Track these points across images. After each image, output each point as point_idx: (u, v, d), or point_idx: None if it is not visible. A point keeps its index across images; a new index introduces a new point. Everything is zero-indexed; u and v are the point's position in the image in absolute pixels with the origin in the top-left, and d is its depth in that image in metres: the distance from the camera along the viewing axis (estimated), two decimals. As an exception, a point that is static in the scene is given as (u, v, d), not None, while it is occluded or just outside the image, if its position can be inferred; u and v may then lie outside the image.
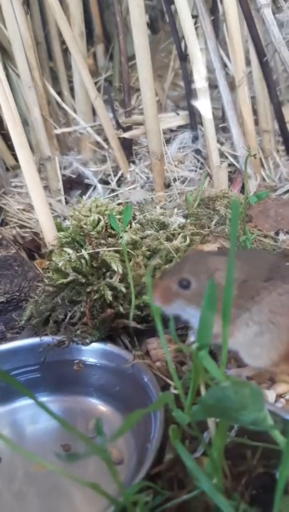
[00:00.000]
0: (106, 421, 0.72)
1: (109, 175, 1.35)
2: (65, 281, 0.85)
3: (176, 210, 1.12)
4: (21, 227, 1.22)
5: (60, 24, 1.25)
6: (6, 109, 1.03)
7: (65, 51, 1.42)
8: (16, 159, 1.20)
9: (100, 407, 0.77)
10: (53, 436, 0.73)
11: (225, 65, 1.34)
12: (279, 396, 0.72)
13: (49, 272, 0.90)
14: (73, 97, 1.40)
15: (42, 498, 0.66)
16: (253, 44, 1.27)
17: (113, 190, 1.32)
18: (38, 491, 0.67)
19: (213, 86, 1.34)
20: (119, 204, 1.14)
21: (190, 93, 1.33)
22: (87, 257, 0.88)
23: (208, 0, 1.30)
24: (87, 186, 1.34)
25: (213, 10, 1.34)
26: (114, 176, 1.34)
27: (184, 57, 1.34)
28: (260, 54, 1.28)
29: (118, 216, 0.95)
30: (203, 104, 1.26)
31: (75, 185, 1.34)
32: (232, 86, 1.31)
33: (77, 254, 0.88)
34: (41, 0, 1.41)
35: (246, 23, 1.25)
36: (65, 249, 0.91)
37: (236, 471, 0.63)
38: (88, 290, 0.84)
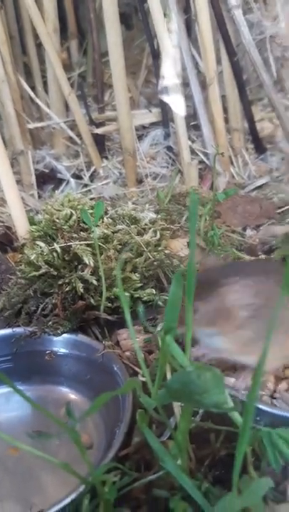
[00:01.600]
0: (77, 408, 0.74)
1: (82, 170, 1.37)
2: (37, 273, 0.87)
3: (147, 205, 1.15)
4: (-6, 220, 1.23)
5: (34, 20, 1.26)
6: (-21, 103, 1.04)
7: (39, 46, 1.43)
8: (-11, 153, 1.20)
9: (71, 395, 0.79)
10: (24, 423, 0.75)
11: (197, 64, 1.37)
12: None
13: (21, 265, 0.92)
14: (47, 92, 1.41)
15: (13, 481, 0.68)
16: (224, 44, 1.30)
17: (86, 185, 1.34)
18: (10, 475, 0.69)
19: (185, 84, 1.37)
20: (92, 199, 1.16)
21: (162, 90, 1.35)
22: (59, 250, 0.89)
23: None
24: (60, 181, 1.36)
25: (186, 9, 1.36)
26: (87, 171, 1.36)
27: (156, 54, 1.36)
28: (231, 54, 1.31)
29: (90, 211, 0.97)
30: (176, 102, 1.29)
31: (48, 179, 1.35)
32: (203, 85, 1.34)
33: (50, 248, 0.90)
34: (15, -6, 1.41)
35: (217, 24, 1.28)
36: (37, 242, 0.93)
37: (201, 454, 0.66)
38: (60, 282, 0.85)
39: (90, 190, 1.31)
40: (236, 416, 0.54)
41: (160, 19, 1.23)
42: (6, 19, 1.29)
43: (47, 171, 1.37)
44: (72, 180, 1.34)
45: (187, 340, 0.60)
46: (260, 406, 0.62)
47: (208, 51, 1.28)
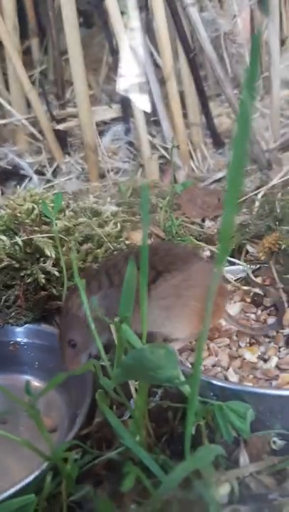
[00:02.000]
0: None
1: (44, 166, 1.38)
2: (-1, 266, 0.89)
3: (109, 199, 1.17)
4: None
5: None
6: None
7: (0, 44, 1.43)
8: None
9: (36, 383, 0.80)
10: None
11: (155, 60, 1.39)
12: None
13: (-17, 259, 0.93)
14: (8, 89, 1.42)
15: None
16: (180, 41, 1.34)
17: (49, 181, 1.35)
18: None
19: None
20: (54, 194, 1.18)
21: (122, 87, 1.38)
22: (21, 243, 0.91)
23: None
24: (23, 177, 1.37)
25: (143, 7, 1.39)
26: (50, 167, 1.38)
27: (115, 52, 1.39)
28: (187, 50, 1.34)
29: (52, 204, 0.99)
30: (138, 99, 1.32)
31: (11, 176, 1.36)
32: (162, 81, 1.37)
33: (11, 241, 0.92)
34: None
35: (173, 21, 1.32)
36: (-1, 236, 0.94)
37: (160, 431, 0.69)
38: (22, 274, 0.87)
39: (52, 186, 1.33)
40: (188, 389, 0.57)
41: (117, 17, 1.26)
42: None
43: (10, 167, 1.38)
44: (35, 177, 1.36)
45: (143, 324, 0.62)
46: (213, 381, 0.65)
47: (165, 47, 1.31)
